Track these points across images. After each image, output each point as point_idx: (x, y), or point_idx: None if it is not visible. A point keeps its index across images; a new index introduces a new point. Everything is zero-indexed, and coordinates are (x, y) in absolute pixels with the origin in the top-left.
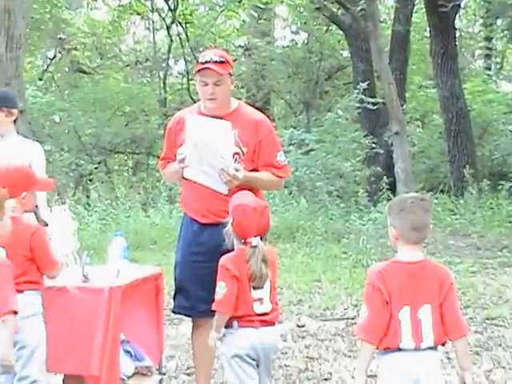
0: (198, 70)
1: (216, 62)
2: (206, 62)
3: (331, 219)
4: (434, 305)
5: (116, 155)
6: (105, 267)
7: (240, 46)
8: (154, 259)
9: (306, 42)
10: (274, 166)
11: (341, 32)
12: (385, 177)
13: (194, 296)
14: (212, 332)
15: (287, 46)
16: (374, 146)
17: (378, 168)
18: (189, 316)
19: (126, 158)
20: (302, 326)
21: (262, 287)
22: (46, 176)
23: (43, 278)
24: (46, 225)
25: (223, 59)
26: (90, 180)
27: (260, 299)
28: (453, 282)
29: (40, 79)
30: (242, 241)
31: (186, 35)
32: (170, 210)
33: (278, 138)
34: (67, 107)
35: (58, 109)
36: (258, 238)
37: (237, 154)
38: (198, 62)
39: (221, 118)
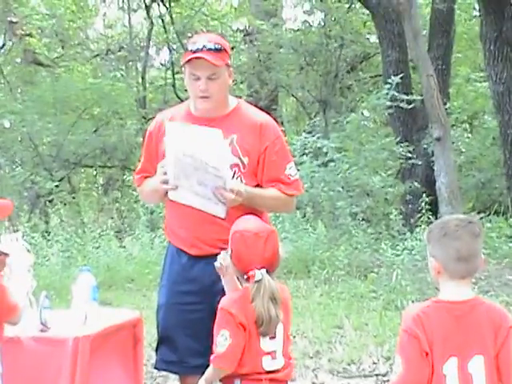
0: (188, 61)
1: (210, 49)
2: (198, 51)
3: (356, 249)
4: (487, 356)
5: (82, 170)
6: (69, 312)
7: (239, 30)
8: (131, 301)
9: (322, 23)
10: (282, 181)
11: (366, 11)
12: (424, 194)
13: (183, 347)
14: (201, 381)
15: (299, 30)
16: (409, 155)
17: (416, 183)
18: (176, 373)
19: (95, 173)
20: None
21: (274, 336)
22: None
23: (3, 328)
24: (6, 255)
25: (219, 46)
26: (50, 201)
27: (272, 353)
28: None
29: None
30: (245, 276)
31: (171, 17)
32: (151, 238)
33: (288, 145)
34: (20, 109)
35: (7, 111)
36: (264, 270)
37: (236, 165)
38: (186, 50)
39: (213, 121)
